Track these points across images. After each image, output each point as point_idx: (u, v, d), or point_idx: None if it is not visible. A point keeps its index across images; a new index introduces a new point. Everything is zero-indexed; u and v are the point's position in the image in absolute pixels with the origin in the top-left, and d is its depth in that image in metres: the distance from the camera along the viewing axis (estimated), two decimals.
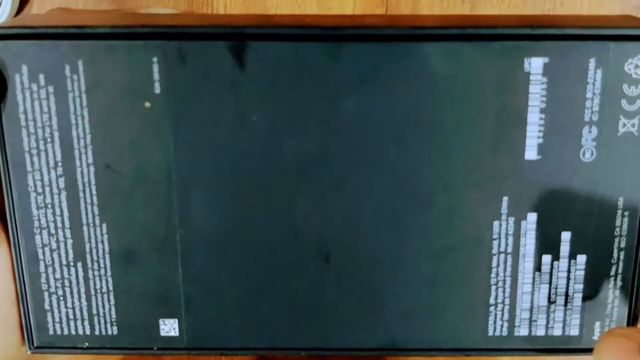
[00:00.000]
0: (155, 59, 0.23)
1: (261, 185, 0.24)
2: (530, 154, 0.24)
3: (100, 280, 0.25)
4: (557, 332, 0.25)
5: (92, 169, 0.24)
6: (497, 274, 0.25)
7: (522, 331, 0.25)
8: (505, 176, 0.24)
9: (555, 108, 0.23)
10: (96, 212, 0.25)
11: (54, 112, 0.24)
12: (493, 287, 0.25)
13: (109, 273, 0.25)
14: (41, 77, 0.23)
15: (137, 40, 0.23)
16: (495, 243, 0.24)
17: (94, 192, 0.24)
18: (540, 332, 0.25)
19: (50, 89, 0.24)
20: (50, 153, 0.24)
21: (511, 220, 0.24)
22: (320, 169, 0.24)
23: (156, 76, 0.23)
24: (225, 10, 0.50)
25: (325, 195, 0.24)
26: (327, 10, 0.49)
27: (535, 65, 0.23)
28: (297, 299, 0.25)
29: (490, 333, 0.25)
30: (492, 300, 0.25)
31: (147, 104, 0.24)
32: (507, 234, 0.24)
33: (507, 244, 0.25)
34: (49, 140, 0.24)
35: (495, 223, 0.24)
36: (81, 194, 0.25)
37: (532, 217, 0.24)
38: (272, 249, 0.25)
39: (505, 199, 0.24)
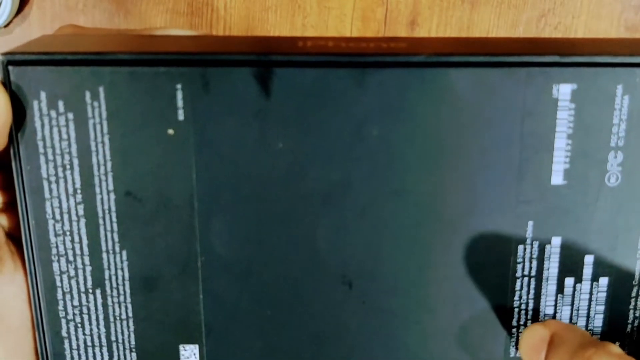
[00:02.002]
0: (179, 86, 0.23)
1: (284, 212, 0.24)
2: (557, 179, 0.24)
3: (120, 307, 0.25)
4: None
5: (112, 196, 0.24)
6: (520, 297, 0.25)
7: None
8: (530, 201, 0.24)
9: (582, 134, 0.23)
10: (116, 239, 0.24)
11: (74, 139, 0.23)
12: (516, 310, 0.25)
13: (128, 300, 0.25)
14: (60, 103, 0.23)
15: (160, 66, 0.23)
16: (519, 267, 0.25)
17: (114, 219, 0.24)
18: None
19: (70, 115, 0.23)
20: (70, 180, 0.24)
21: (535, 244, 0.24)
22: (344, 195, 0.24)
23: (180, 103, 0.23)
24: (225, 9, 0.49)
25: (349, 222, 0.24)
26: (326, 10, 0.48)
27: (563, 91, 0.23)
28: (318, 324, 0.25)
29: (512, 354, 0.26)
30: (514, 323, 0.25)
31: (171, 131, 0.23)
32: (531, 258, 0.24)
33: (530, 268, 0.25)
34: (68, 167, 0.23)
35: (520, 247, 0.24)
36: (101, 221, 0.24)
37: (557, 241, 0.24)
38: (294, 275, 0.25)
39: (530, 223, 0.24)
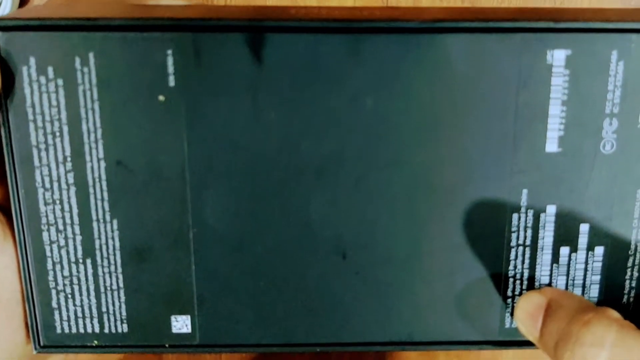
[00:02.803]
0: (169, 52, 0.22)
1: (277, 183, 0.24)
2: (551, 146, 0.23)
3: (110, 277, 0.25)
4: None
5: (102, 164, 0.23)
6: (515, 267, 0.25)
7: None
8: (525, 169, 0.24)
9: (576, 100, 0.23)
10: (107, 208, 0.24)
11: (63, 105, 0.23)
12: (511, 280, 0.25)
13: (119, 270, 0.25)
14: (50, 69, 0.23)
15: (151, 32, 0.22)
16: (513, 235, 0.24)
17: (105, 187, 0.24)
18: None
19: (60, 81, 0.23)
20: (59, 148, 0.23)
21: (530, 212, 0.24)
22: (338, 165, 0.24)
23: (170, 69, 0.23)
24: None
25: (343, 192, 0.24)
26: (327, 2, 0.48)
27: (557, 57, 0.23)
28: (312, 296, 0.25)
29: (507, 325, 0.25)
30: (509, 293, 0.25)
31: (161, 98, 0.23)
32: (525, 227, 0.24)
33: (525, 237, 0.24)
34: (57, 134, 0.23)
35: (515, 215, 0.24)
36: (91, 190, 0.24)
37: (552, 209, 0.24)
38: (287, 246, 0.24)
39: (524, 191, 0.24)
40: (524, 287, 0.25)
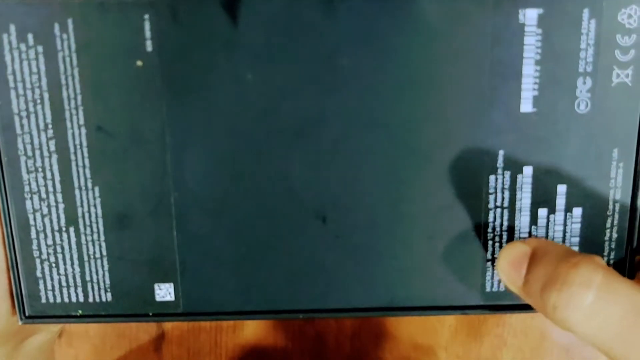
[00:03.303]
0: (146, 16, 0.23)
1: (257, 146, 0.24)
2: (526, 106, 0.24)
3: (94, 245, 0.25)
4: None
5: (83, 130, 0.24)
6: (493, 229, 0.25)
7: None
8: (500, 130, 0.24)
9: (549, 60, 0.23)
10: (88, 176, 0.24)
11: (44, 72, 0.23)
12: (490, 242, 0.25)
13: (102, 238, 0.25)
14: (30, 36, 0.23)
15: None
16: (491, 197, 0.25)
17: (86, 154, 0.24)
18: None
19: (40, 48, 0.23)
20: (40, 115, 0.24)
21: (507, 174, 0.24)
22: (317, 128, 0.24)
23: (148, 34, 0.23)
24: None
25: (322, 155, 0.24)
26: None
27: (529, 16, 0.23)
28: (294, 261, 0.25)
29: (488, 289, 0.26)
30: (489, 256, 0.25)
31: (139, 63, 0.23)
32: (503, 188, 0.24)
33: (503, 198, 0.25)
34: (38, 101, 0.24)
35: (492, 177, 0.24)
36: (72, 157, 0.24)
37: (528, 170, 0.24)
38: (268, 210, 0.25)
39: (500, 152, 0.24)
40: None
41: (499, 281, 0.25)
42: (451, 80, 0.23)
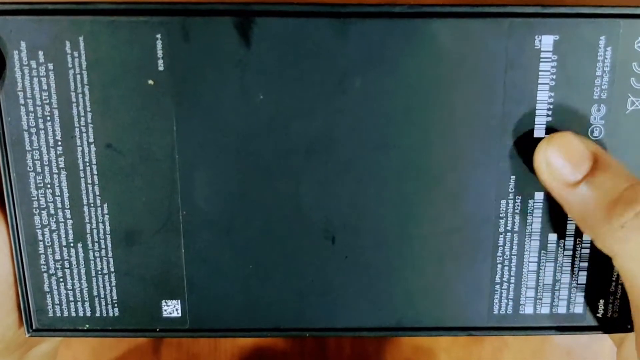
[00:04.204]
0: (159, 36, 0.23)
1: (266, 165, 0.24)
2: (539, 132, 0.23)
3: (101, 261, 0.25)
4: (561, 310, 0.25)
5: (93, 148, 0.24)
6: (503, 253, 0.25)
7: (527, 309, 0.25)
8: (513, 155, 0.24)
9: (564, 86, 0.23)
10: (97, 192, 0.24)
11: (54, 89, 0.23)
12: (499, 266, 0.25)
13: (110, 254, 0.25)
14: (40, 53, 0.23)
15: (140, 16, 0.23)
16: (502, 222, 0.24)
17: (95, 171, 0.24)
18: (545, 310, 0.25)
19: (50, 66, 0.23)
20: (50, 132, 0.24)
21: (518, 199, 0.24)
22: (327, 148, 0.24)
23: (160, 53, 0.23)
24: None
25: (332, 175, 0.24)
26: None
27: (545, 42, 0.23)
28: (302, 280, 0.25)
29: (496, 311, 0.25)
30: (497, 279, 0.25)
31: (151, 82, 0.23)
32: (514, 213, 0.24)
33: (513, 223, 0.24)
34: (48, 118, 0.23)
35: (503, 202, 0.24)
36: (81, 174, 0.24)
37: (540, 195, 0.24)
38: (276, 229, 0.25)
39: (512, 177, 0.24)
40: (512, 274, 0.25)
41: (507, 304, 0.25)
42: (463, 103, 0.23)
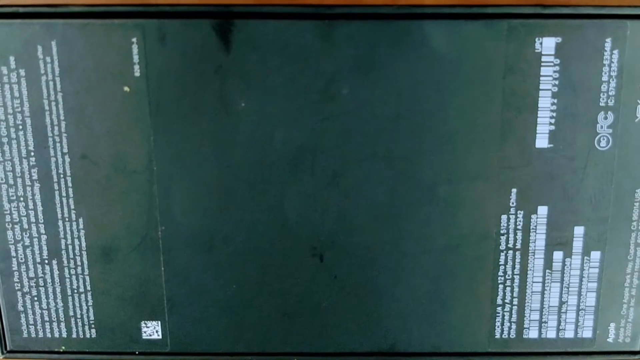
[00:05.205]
0: (134, 39, 0.21)
1: (249, 178, 0.23)
2: (541, 142, 0.22)
3: (77, 279, 0.24)
4: (569, 334, 0.24)
5: (67, 158, 0.22)
6: (504, 272, 0.23)
7: (532, 333, 0.24)
8: (514, 166, 0.22)
9: (568, 92, 0.21)
10: (72, 206, 0.23)
11: (26, 97, 0.22)
12: (500, 286, 0.23)
13: (86, 272, 0.24)
14: (11, 59, 0.22)
15: (114, 19, 0.21)
16: (502, 238, 0.23)
17: (70, 184, 0.23)
18: (551, 334, 0.24)
19: (22, 72, 0.22)
20: (22, 142, 0.22)
21: (520, 214, 0.22)
22: (313, 160, 0.22)
23: (135, 58, 0.22)
24: None
25: (319, 189, 0.23)
26: None
27: (546, 45, 0.21)
28: (288, 301, 0.24)
29: (497, 335, 0.24)
30: (499, 301, 0.23)
31: (126, 88, 0.22)
32: (515, 229, 0.23)
33: (515, 240, 0.23)
34: (20, 127, 0.22)
35: (503, 217, 0.23)
36: (56, 186, 0.23)
37: (543, 210, 0.22)
38: (261, 246, 0.23)
39: (513, 190, 0.22)
40: (515, 294, 0.23)
41: (509, 327, 0.24)
42: (459, 111, 0.22)
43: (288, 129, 0.22)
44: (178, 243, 0.23)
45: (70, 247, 0.23)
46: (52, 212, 0.23)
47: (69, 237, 0.23)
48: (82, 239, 0.23)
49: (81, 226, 0.23)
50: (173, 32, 0.21)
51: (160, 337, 0.24)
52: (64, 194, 0.23)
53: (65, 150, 0.22)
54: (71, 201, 0.23)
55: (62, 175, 0.23)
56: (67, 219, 0.23)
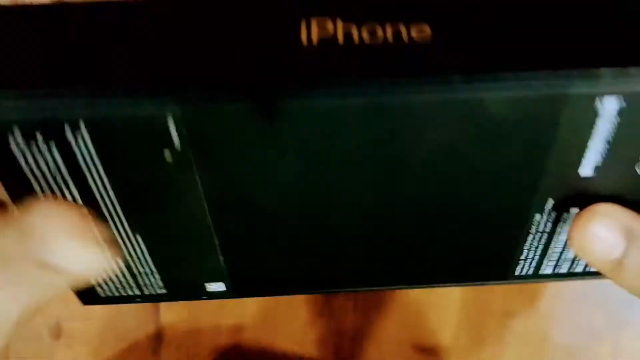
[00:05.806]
0: (169, 114, 0.20)
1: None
2: (586, 171, 0.22)
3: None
4: (579, 269, 0.27)
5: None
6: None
7: (547, 270, 0.27)
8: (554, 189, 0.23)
9: (623, 139, 0.21)
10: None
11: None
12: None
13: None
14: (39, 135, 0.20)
15: (146, 96, 0.19)
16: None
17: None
18: (563, 270, 0.27)
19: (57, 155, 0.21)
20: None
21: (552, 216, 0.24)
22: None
23: (174, 133, 0.20)
24: None
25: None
26: None
27: (608, 106, 0.20)
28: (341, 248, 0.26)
29: (517, 273, 0.27)
30: (523, 257, 0.26)
31: (168, 157, 0.21)
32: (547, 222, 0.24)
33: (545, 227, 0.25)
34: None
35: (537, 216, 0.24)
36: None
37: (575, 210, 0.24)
38: None
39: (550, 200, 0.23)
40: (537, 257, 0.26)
41: (529, 269, 0.27)
42: (500, 161, 0.22)
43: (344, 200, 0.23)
44: None
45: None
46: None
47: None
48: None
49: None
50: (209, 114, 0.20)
51: (224, 289, 0.27)
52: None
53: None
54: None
55: None
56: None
